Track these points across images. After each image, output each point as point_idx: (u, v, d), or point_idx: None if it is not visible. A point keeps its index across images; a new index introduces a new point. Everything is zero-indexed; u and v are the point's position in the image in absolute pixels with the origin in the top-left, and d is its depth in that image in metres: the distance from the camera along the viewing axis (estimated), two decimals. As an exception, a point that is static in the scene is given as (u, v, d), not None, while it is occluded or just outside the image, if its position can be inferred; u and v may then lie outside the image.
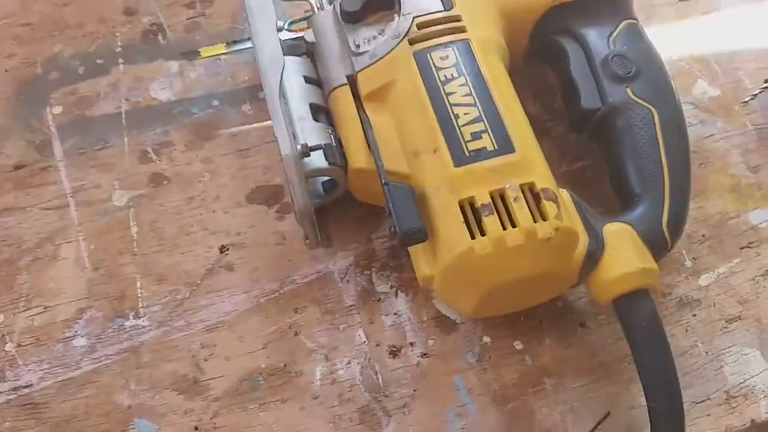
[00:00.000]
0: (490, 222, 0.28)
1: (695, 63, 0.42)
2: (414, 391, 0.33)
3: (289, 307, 0.35)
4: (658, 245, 0.31)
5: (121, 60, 0.43)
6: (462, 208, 0.29)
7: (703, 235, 0.37)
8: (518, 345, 0.34)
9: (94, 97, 0.41)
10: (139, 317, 0.34)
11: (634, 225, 0.31)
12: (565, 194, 0.31)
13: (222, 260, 0.36)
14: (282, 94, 0.32)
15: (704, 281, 0.36)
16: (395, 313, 0.35)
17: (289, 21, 0.39)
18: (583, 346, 0.34)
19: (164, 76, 0.42)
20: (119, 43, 0.43)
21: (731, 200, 0.38)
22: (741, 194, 0.38)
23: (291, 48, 0.36)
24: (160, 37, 0.43)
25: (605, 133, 0.34)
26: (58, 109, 0.41)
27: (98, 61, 0.42)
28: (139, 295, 0.35)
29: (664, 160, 0.32)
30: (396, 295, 0.35)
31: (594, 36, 0.36)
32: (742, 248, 0.37)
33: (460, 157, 0.30)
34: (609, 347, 0.34)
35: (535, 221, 0.28)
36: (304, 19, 0.38)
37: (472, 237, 0.28)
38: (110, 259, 0.36)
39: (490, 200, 0.29)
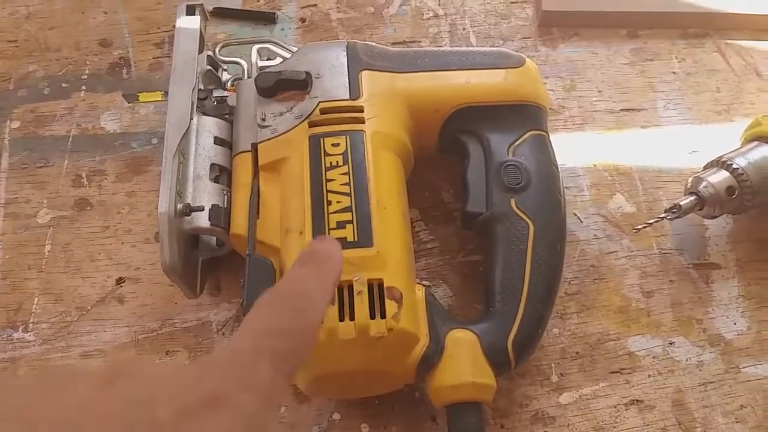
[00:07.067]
0: (329, 312, 0.30)
1: (619, 176, 0.43)
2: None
3: (162, 348, 0.37)
4: (499, 361, 0.32)
5: (83, 87, 0.46)
6: (309, 292, 0.30)
7: (577, 353, 0.37)
8: (365, 428, 0.35)
9: (50, 118, 0.45)
10: (27, 331, 0.37)
11: (479, 336, 0.32)
12: (420, 293, 0.32)
13: (116, 291, 0.39)
14: (182, 154, 0.35)
15: (565, 399, 0.36)
16: (257, 373, 0.36)
17: (233, 79, 0.42)
18: (428, 440, 0.35)
19: (117, 108, 0.45)
20: (86, 71, 0.47)
21: (615, 322, 0.38)
22: (627, 317, 0.38)
23: (215, 109, 0.38)
24: (124, 71, 0.47)
25: (485, 237, 0.35)
26: (16, 124, 0.45)
27: (63, 85, 0.46)
28: (33, 311, 0.38)
29: (526, 278, 0.33)
30: (264, 355, 0.37)
31: (496, 141, 0.37)
32: (612, 372, 0.36)
33: (319, 243, 0.31)
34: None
35: (372, 318, 0.30)
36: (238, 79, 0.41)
37: (310, 323, 0.29)
38: (18, 272, 0.39)
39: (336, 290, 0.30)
